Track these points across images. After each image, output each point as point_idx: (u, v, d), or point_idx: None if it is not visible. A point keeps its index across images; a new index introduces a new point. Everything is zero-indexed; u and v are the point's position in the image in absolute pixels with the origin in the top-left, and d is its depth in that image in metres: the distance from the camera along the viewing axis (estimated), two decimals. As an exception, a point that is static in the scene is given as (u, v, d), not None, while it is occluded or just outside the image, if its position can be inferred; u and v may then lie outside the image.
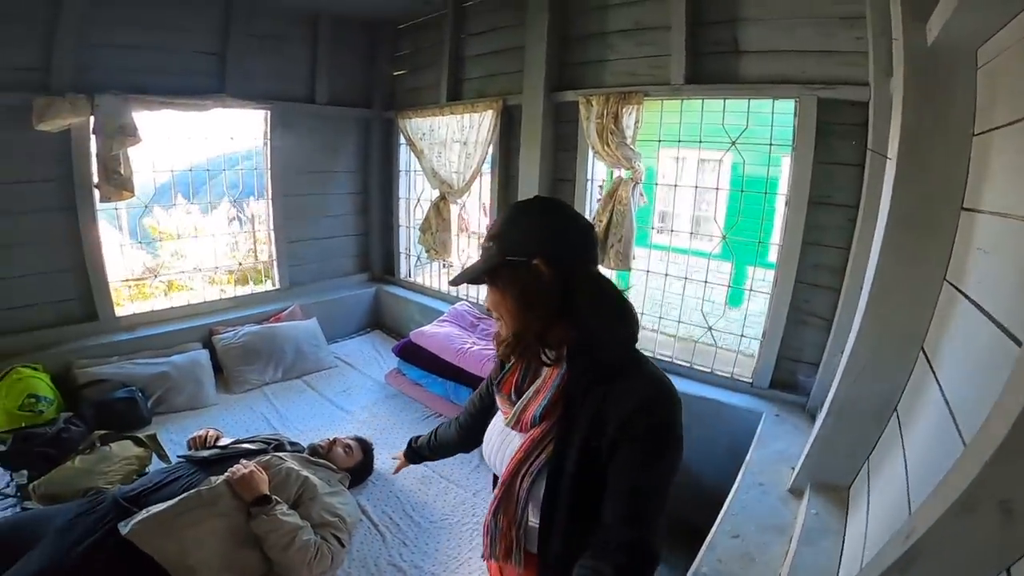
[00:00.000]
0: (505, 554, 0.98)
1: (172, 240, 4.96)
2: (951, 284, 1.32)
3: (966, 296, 1.19)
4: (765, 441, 2.05)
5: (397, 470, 1.51)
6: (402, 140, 3.93)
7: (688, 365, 2.67)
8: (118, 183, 2.91)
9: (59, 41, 2.68)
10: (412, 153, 3.74)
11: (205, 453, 1.92)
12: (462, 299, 3.71)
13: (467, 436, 1.28)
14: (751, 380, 2.51)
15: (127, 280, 3.75)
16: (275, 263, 3.95)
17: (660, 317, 2.81)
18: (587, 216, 2.81)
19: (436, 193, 3.65)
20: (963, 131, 1.29)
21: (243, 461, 1.77)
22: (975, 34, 1.14)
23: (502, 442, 1.02)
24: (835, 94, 2.01)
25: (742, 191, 2.54)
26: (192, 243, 4.83)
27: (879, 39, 1.73)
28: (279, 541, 1.62)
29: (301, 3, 3.44)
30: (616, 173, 2.61)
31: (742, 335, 2.62)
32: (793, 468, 1.76)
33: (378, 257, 4.44)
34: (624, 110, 2.38)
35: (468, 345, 2.92)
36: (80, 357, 2.86)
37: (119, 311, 3.25)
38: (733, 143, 2.34)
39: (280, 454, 1.93)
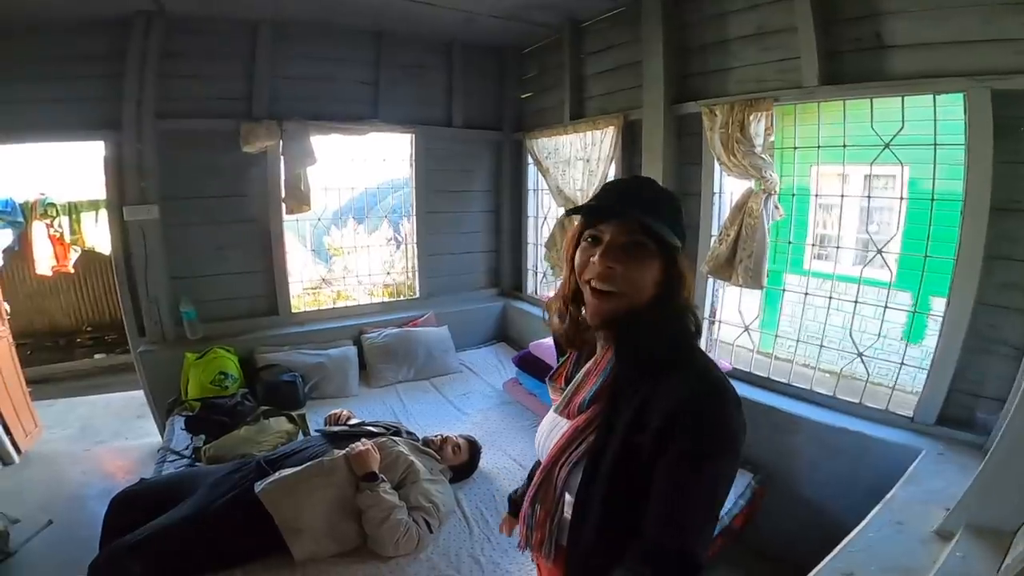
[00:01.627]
0: (538, 544, 0.96)
1: (342, 255, 5.80)
2: None
3: None
4: (919, 479, 1.77)
5: (507, 532, 1.37)
6: (530, 160, 4.16)
7: (830, 395, 2.41)
8: (299, 198, 3.53)
9: (257, 73, 3.37)
10: (539, 172, 3.94)
11: (335, 429, 2.23)
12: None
13: None
14: (911, 415, 2.18)
15: (307, 287, 4.48)
16: (416, 274, 4.41)
17: (806, 342, 2.58)
18: (714, 230, 2.73)
19: (561, 211, 3.79)
20: None
21: (363, 440, 2.02)
22: None
23: (550, 429, 1.00)
24: (1013, 84, 1.72)
25: (937, 200, 2.15)
26: (357, 259, 5.61)
27: None
28: (376, 516, 1.79)
29: (437, 34, 3.88)
30: (747, 184, 2.49)
31: (902, 363, 2.28)
32: (948, 509, 1.50)
33: (507, 273, 4.70)
34: (751, 117, 2.28)
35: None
36: (262, 344, 3.48)
37: (295, 309, 3.90)
38: (886, 146, 2.10)
39: (395, 439, 2.17)
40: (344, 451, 1.94)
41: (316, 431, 2.30)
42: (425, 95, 4.06)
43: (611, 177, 3.27)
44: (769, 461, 2.40)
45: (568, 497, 0.91)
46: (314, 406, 3.12)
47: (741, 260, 2.52)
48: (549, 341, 3.22)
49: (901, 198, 2.29)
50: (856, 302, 2.38)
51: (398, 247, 5.28)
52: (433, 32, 3.85)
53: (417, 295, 4.40)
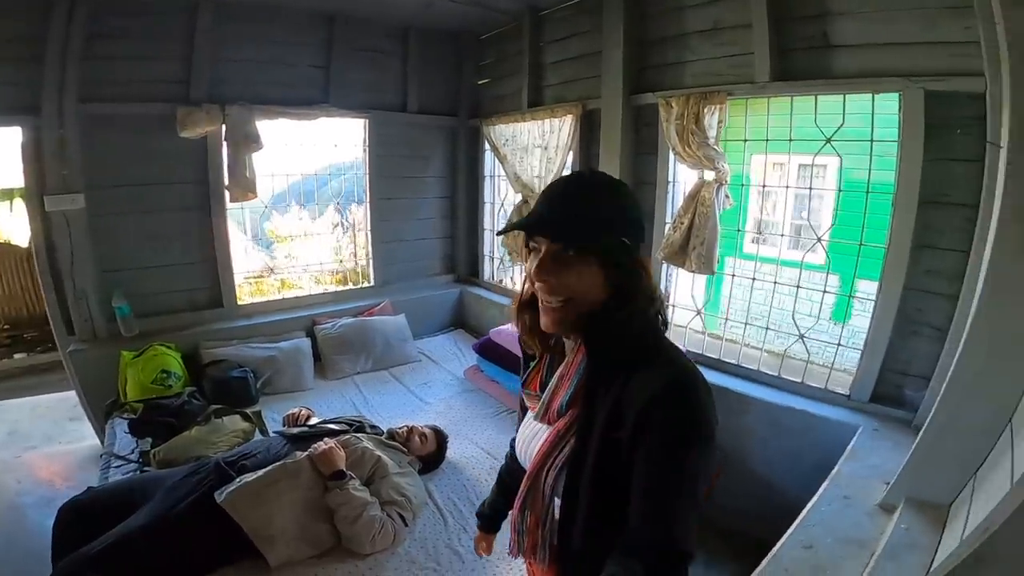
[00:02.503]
0: (531, 550, 0.96)
1: (285, 243, 5.57)
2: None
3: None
4: (859, 454, 1.93)
5: (485, 550, 1.38)
6: (487, 146, 4.13)
7: (775, 375, 2.57)
8: (244, 185, 3.36)
9: (196, 56, 3.16)
10: (496, 159, 3.92)
11: (295, 430, 2.17)
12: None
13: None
14: (848, 393, 2.36)
15: (248, 277, 4.28)
16: (371, 262, 4.31)
17: (745, 324, 2.75)
18: (668, 218, 2.82)
19: (519, 197, 3.80)
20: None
21: (326, 439, 1.98)
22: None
23: (532, 435, 0.99)
24: (946, 86, 1.87)
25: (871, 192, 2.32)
26: (302, 246, 5.39)
27: (989, 27, 1.60)
28: (349, 514, 1.77)
29: (393, 19, 3.77)
30: (699, 174, 2.58)
31: (839, 344, 2.46)
32: (887, 483, 1.65)
33: (463, 259, 4.68)
34: (706, 110, 2.36)
35: (544, 345, 3.01)
36: (206, 339, 3.32)
37: (241, 301, 3.73)
38: (828, 140, 2.23)
39: (359, 435, 2.14)
40: (307, 452, 1.89)
41: (275, 432, 2.23)
42: (379, 80, 3.94)
43: (569, 165, 3.30)
44: (723, 441, 2.53)
45: (557, 501, 0.91)
46: (269, 402, 3.02)
47: (694, 247, 2.62)
48: (512, 327, 3.27)
49: (840, 190, 2.44)
50: (798, 287, 2.54)
51: (345, 232, 5.14)
52: (389, 16, 3.73)
53: (372, 283, 4.31)
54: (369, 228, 4.24)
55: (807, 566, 1.38)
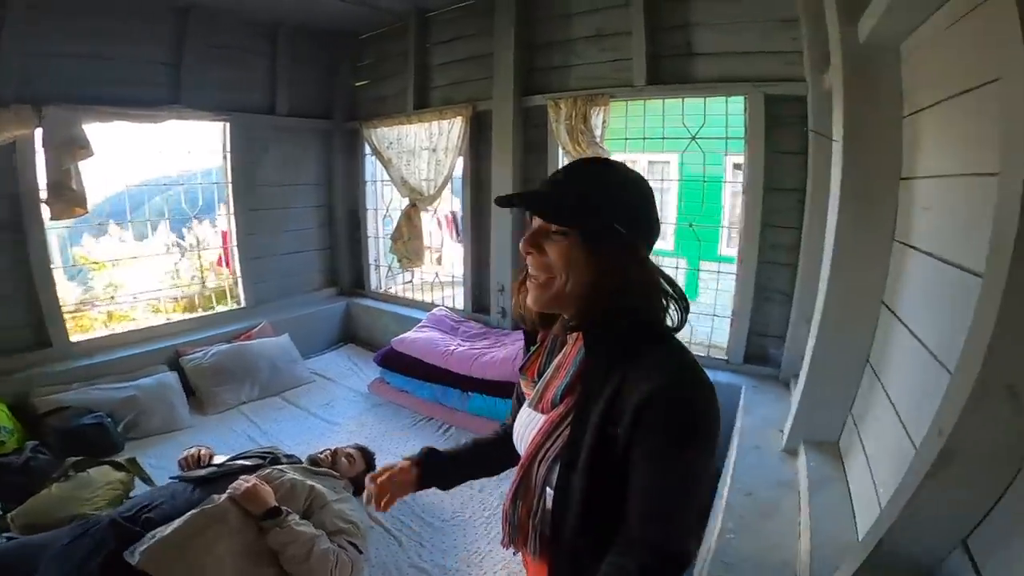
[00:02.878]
0: (523, 541, 0.93)
1: (104, 269, 4.80)
2: (900, 242, 1.56)
3: (916, 248, 1.43)
4: (750, 409, 2.25)
5: (378, 494, 1.12)
6: (368, 150, 4.00)
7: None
8: (70, 199, 2.84)
9: (2, 49, 2.62)
10: (380, 163, 3.82)
11: (202, 472, 1.90)
12: (438, 305, 3.80)
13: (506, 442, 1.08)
14: (727, 357, 2.74)
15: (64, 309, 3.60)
16: (239, 280, 3.91)
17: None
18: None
19: (406, 202, 3.75)
20: (895, 114, 1.55)
21: (244, 476, 1.78)
22: (898, 33, 1.40)
23: (526, 424, 0.96)
24: (778, 90, 2.30)
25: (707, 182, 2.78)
26: (129, 270, 4.69)
27: (812, 39, 2.02)
28: (298, 552, 1.61)
29: (261, 14, 3.50)
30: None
31: (715, 315, 2.84)
32: (782, 431, 1.96)
33: (346, 270, 4.47)
34: (592, 111, 2.59)
35: (453, 347, 3.02)
36: (38, 385, 2.75)
37: (74, 337, 3.14)
38: (693, 138, 2.59)
39: (280, 467, 1.95)
40: (227, 493, 1.68)
41: (173, 478, 1.93)
42: (243, 80, 3.62)
43: (459, 167, 3.35)
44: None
45: (549, 491, 0.88)
46: (139, 446, 2.61)
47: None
48: (414, 335, 3.22)
49: (702, 181, 2.83)
50: (676, 268, 2.89)
51: (183, 254, 4.62)
52: (256, 11, 3.44)
53: (243, 304, 3.92)
54: (235, 243, 3.85)
55: (755, 510, 1.58)
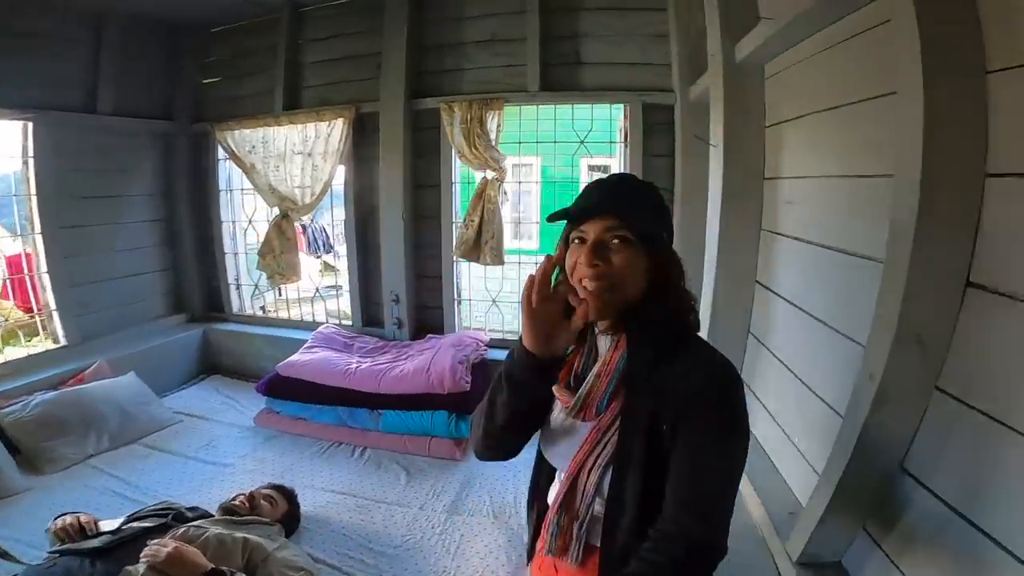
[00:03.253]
0: (562, 550, 0.93)
1: None
2: (768, 231, 1.90)
3: (782, 234, 1.76)
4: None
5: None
6: (222, 155, 3.57)
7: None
8: None
9: None
10: (241, 169, 3.43)
11: (96, 542, 1.56)
12: (323, 323, 3.55)
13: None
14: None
15: None
16: (55, 314, 3.21)
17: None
18: (454, 217, 3.04)
19: (275, 211, 3.44)
20: (760, 124, 1.88)
21: (158, 540, 1.50)
22: (765, 56, 1.71)
23: (565, 433, 0.95)
24: (653, 99, 2.62)
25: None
26: None
27: (683, 54, 2.34)
28: None
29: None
30: (481, 175, 2.87)
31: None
32: None
33: (197, 293, 3.92)
34: (488, 115, 2.66)
35: (354, 365, 2.86)
36: None
37: None
38: (581, 142, 2.82)
39: (196, 523, 1.69)
40: (142, 563, 1.40)
41: (56, 553, 1.54)
42: (53, 72, 2.98)
43: (341, 171, 3.18)
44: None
45: (600, 499, 0.89)
46: None
47: (486, 242, 2.91)
48: (303, 357, 2.97)
49: (569, 182, 3.08)
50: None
51: None
52: None
53: (63, 342, 3.23)
54: (45, 270, 3.16)
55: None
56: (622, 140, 2.78)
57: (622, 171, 1.06)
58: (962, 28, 0.86)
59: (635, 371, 0.86)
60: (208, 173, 3.73)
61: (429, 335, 3.18)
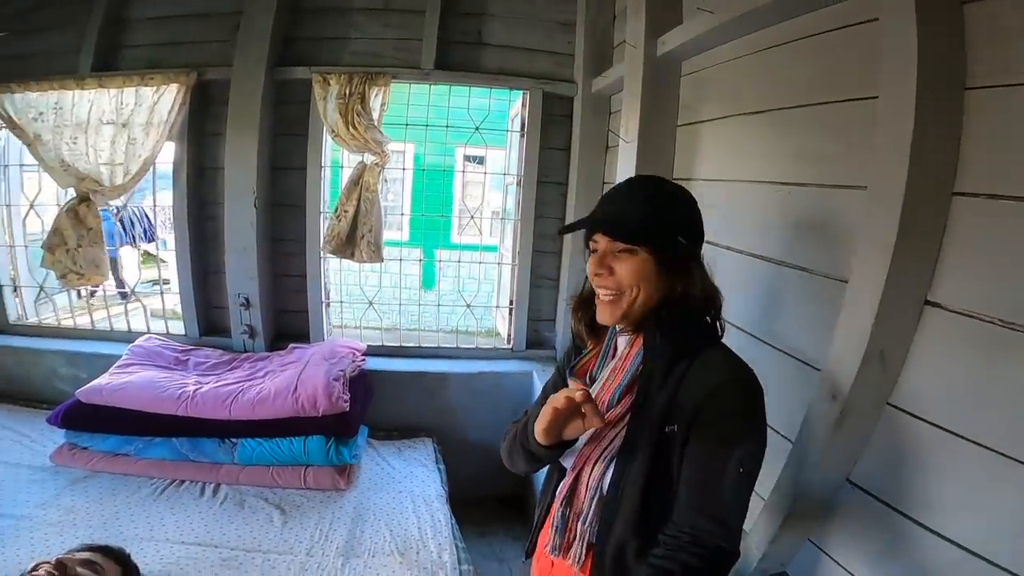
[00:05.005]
0: (565, 549, 0.94)
1: None
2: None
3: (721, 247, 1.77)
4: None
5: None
6: (-6, 123, 2.68)
7: (455, 347, 2.89)
8: None
9: None
10: (21, 141, 2.60)
11: None
12: (145, 334, 2.87)
13: None
14: (511, 346, 2.91)
15: None
16: None
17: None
18: (324, 207, 2.67)
19: (70, 194, 2.69)
20: (672, 123, 1.88)
21: None
22: (688, 52, 1.69)
23: None
24: (553, 89, 2.53)
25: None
26: None
27: (588, 44, 2.28)
28: None
29: None
30: (359, 158, 2.52)
31: (496, 305, 2.99)
32: None
33: (-46, 299, 2.94)
34: (371, 91, 2.33)
35: (192, 386, 2.34)
36: None
37: None
38: (477, 128, 2.62)
39: None
40: None
41: None
42: None
43: (169, 146, 2.57)
44: (437, 422, 2.69)
45: (600, 495, 0.90)
46: None
47: (363, 236, 2.59)
48: (115, 379, 2.39)
49: (441, 171, 2.90)
50: (459, 262, 2.92)
51: None
52: None
53: None
54: None
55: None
56: (519, 129, 2.65)
57: (645, 174, 1.05)
58: (950, 42, 0.86)
59: (649, 369, 0.88)
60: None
61: (292, 345, 2.74)
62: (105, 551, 1.54)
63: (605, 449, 0.90)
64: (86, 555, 1.48)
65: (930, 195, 0.91)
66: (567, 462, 0.99)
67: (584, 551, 0.92)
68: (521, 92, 2.59)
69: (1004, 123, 0.84)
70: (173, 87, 2.43)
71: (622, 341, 0.97)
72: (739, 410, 0.83)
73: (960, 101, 0.88)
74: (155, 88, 2.44)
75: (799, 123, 1.30)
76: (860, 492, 1.10)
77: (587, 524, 0.91)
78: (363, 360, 2.67)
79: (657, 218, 0.88)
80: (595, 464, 0.90)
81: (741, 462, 0.81)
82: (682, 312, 0.88)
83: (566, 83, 2.51)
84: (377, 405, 2.62)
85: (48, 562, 1.40)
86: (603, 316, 0.92)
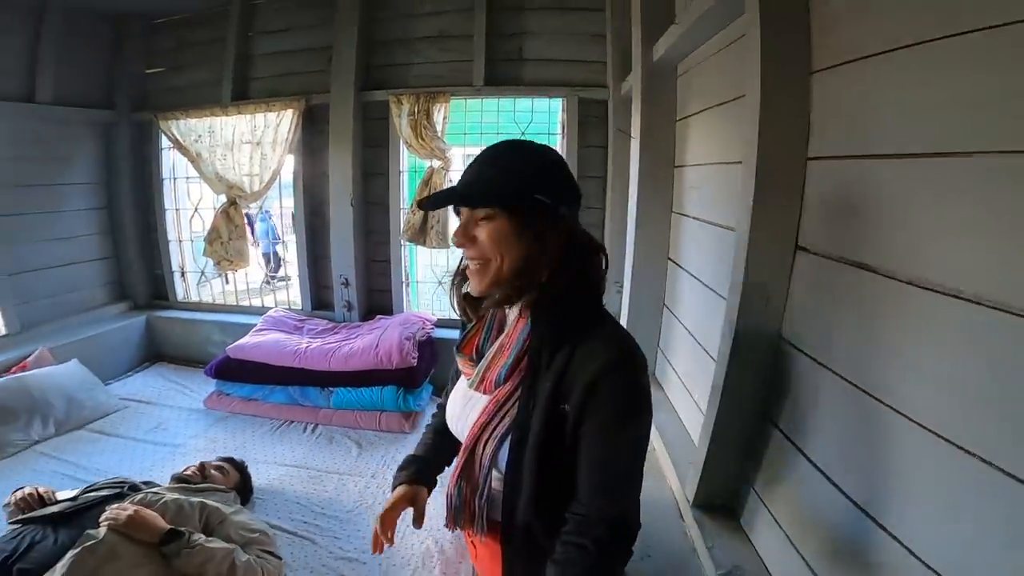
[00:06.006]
0: (468, 522, 0.95)
1: None
2: (676, 212, 2.21)
3: (687, 215, 2.06)
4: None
5: (418, 518, 1.04)
6: (166, 144, 3.63)
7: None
8: None
9: None
10: (187, 159, 3.51)
11: (56, 507, 1.68)
12: (271, 307, 3.68)
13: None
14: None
15: None
16: (-7, 304, 3.23)
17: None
18: (402, 204, 3.25)
19: (221, 199, 3.54)
20: (671, 118, 2.19)
21: (117, 505, 1.61)
22: (678, 56, 2.00)
23: (464, 405, 0.99)
24: (589, 94, 2.90)
25: None
26: None
27: (615, 53, 2.64)
28: (219, 569, 1.55)
29: None
30: (428, 163, 3.08)
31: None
32: None
33: (140, 282, 3.96)
34: (434, 107, 2.88)
35: (304, 345, 3.02)
36: None
37: None
38: (522, 134, 3.07)
39: (152, 490, 1.81)
40: (103, 525, 1.52)
41: (17, 523, 1.65)
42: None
43: (290, 161, 3.32)
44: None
45: (496, 472, 0.92)
46: None
47: (432, 227, 3.13)
48: (253, 339, 3.11)
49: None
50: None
51: None
52: None
53: (3, 331, 3.25)
54: (-18, 257, 3.17)
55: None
56: (560, 132, 3.05)
57: (508, 139, 0.96)
58: (796, 37, 1.15)
59: (536, 349, 0.87)
60: (150, 162, 3.77)
61: (378, 316, 3.37)
62: (231, 461, 2.20)
63: (496, 427, 0.89)
64: (218, 462, 2.14)
65: (786, 162, 1.20)
66: (457, 434, 1.02)
67: (486, 524, 0.94)
68: (560, 99, 2.99)
69: (841, 93, 1.07)
70: (289, 111, 3.17)
71: (511, 314, 0.95)
72: (632, 387, 0.83)
73: (807, 83, 1.16)
74: (277, 112, 3.20)
75: (728, 114, 1.60)
76: (780, 435, 1.28)
77: (484, 499, 0.92)
78: (432, 328, 3.22)
79: (508, 179, 0.84)
80: (486, 442, 0.90)
81: (635, 439, 0.85)
82: (560, 286, 0.85)
83: (600, 88, 2.87)
84: (441, 368, 3.14)
85: (194, 465, 2.07)
86: (473, 286, 0.90)
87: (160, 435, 2.80)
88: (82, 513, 1.67)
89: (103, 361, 3.46)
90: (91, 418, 2.94)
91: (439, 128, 2.93)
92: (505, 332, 0.94)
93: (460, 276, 0.99)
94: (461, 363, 1.00)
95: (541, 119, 3.09)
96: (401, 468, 1.09)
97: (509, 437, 0.88)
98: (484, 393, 0.93)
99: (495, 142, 0.92)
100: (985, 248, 0.74)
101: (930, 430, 0.82)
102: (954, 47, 0.79)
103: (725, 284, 1.57)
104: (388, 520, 1.00)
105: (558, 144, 3.08)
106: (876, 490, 0.96)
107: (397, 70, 3.15)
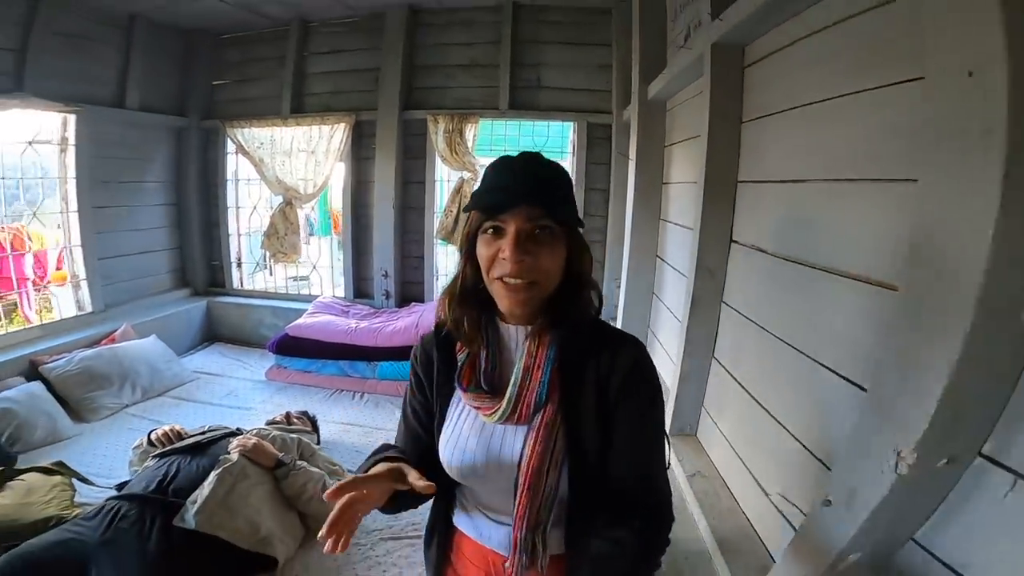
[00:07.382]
0: (531, 563, 0.86)
1: None
2: (663, 220, 2.78)
3: (670, 222, 2.63)
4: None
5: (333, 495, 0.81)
6: (229, 149, 4.26)
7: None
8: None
9: None
10: (250, 162, 4.11)
11: (189, 441, 2.15)
12: (319, 295, 4.29)
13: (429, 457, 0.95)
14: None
15: None
16: (85, 283, 3.83)
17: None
18: (436, 208, 3.85)
19: (278, 199, 4.15)
20: (660, 145, 2.76)
21: (240, 437, 2.08)
22: (666, 95, 2.57)
23: (489, 442, 0.88)
24: (595, 119, 3.49)
25: None
26: None
27: (619, 84, 3.23)
28: (316, 488, 1.95)
29: (119, 6, 3.57)
30: (459, 175, 3.69)
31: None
32: None
33: (199, 270, 4.57)
34: (466, 127, 3.48)
35: (353, 326, 3.61)
36: None
37: None
38: (539, 151, 3.66)
39: (266, 426, 2.34)
40: (235, 452, 1.99)
41: (160, 456, 2.10)
42: (90, 70, 3.61)
43: (341, 168, 3.93)
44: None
45: (562, 498, 0.86)
46: (32, 459, 2.56)
47: (460, 230, 3.72)
48: (308, 320, 3.71)
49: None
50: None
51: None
52: (115, 2, 3.52)
53: (90, 309, 3.85)
54: (80, 243, 3.78)
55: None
56: (571, 150, 3.64)
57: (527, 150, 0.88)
58: (733, 96, 1.72)
59: (567, 364, 0.85)
60: (215, 164, 4.41)
61: (413, 303, 3.97)
62: (305, 413, 2.71)
63: (555, 453, 0.84)
64: (297, 414, 2.66)
65: (724, 183, 1.77)
66: (475, 482, 0.92)
67: (547, 559, 0.87)
68: (571, 123, 3.58)
69: (757, 138, 1.63)
70: (341, 125, 3.78)
71: (514, 332, 0.90)
72: (654, 383, 0.87)
73: (739, 129, 1.73)
74: (330, 126, 3.81)
75: (692, 147, 2.17)
76: (719, 367, 1.88)
77: (549, 532, 0.86)
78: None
79: (568, 196, 0.84)
80: (548, 471, 0.84)
81: (661, 432, 0.89)
82: (582, 298, 0.87)
83: (605, 114, 3.46)
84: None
85: (279, 414, 2.61)
86: (514, 306, 0.84)
87: (233, 400, 3.38)
88: (209, 446, 2.08)
89: (170, 339, 4.04)
90: (171, 386, 3.51)
91: (470, 144, 3.53)
92: (521, 354, 0.87)
93: (466, 295, 0.88)
94: (467, 397, 0.90)
95: (556, 134, 3.69)
96: (375, 453, 0.94)
97: (568, 459, 0.84)
98: (518, 423, 0.86)
99: (522, 151, 0.87)
100: (816, 236, 1.32)
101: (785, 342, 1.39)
102: (807, 112, 1.36)
103: (688, 268, 2.10)
104: (354, 499, 0.81)
105: (568, 161, 3.66)
106: (765, 387, 1.52)
107: (435, 92, 3.74)
